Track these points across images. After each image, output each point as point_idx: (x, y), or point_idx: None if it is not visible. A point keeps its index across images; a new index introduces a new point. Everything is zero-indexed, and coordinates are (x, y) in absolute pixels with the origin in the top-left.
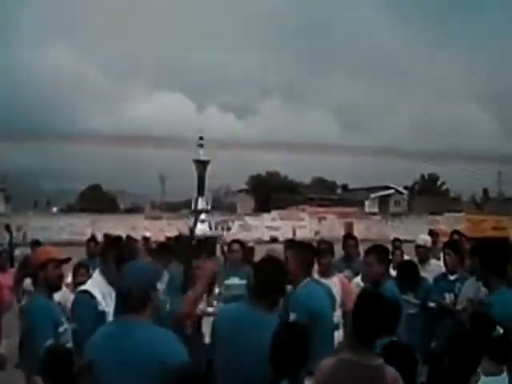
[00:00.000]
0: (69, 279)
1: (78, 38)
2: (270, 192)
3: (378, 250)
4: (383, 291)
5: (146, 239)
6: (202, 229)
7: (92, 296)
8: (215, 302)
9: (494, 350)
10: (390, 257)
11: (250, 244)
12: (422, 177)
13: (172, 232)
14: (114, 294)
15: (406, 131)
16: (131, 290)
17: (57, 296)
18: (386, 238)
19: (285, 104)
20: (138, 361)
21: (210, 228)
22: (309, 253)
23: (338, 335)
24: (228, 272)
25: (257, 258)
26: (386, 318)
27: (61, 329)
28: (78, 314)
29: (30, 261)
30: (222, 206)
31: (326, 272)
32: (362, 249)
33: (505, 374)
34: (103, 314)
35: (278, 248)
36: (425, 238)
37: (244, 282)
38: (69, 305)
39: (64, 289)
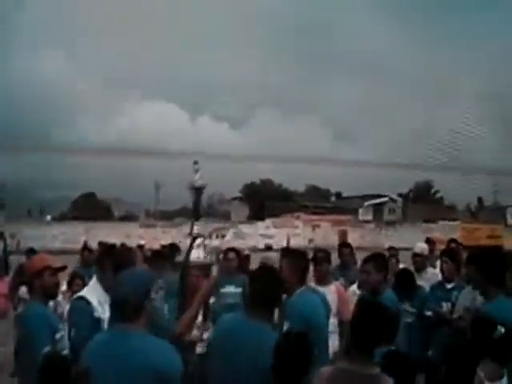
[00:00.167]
0: (63, 287)
1: (69, 47)
2: (264, 200)
3: (376, 259)
4: (383, 300)
5: (140, 247)
6: (197, 254)
7: (88, 302)
8: (210, 327)
9: (495, 351)
10: None
11: (246, 252)
12: (417, 185)
13: (166, 240)
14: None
15: (403, 139)
16: (125, 298)
17: (52, 304)
18: (381, 246)
19: (278, 114)
20: (132, 369)
21: (206, 254)
22: (303, 261)
23: (333, 344)
24: (223, 280)
25: (252, 266)
26: (385, 328)
27: (57, 336)
28: (75, 320)
29: (26, 269)
30: (216, 213)
31: (322, 280)
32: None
33: (505, 378)
34: (99, 320)
35: (273, 256)
36: (422, 247)
37: (239, 290)
38: (64, 312)
39: (60, 297)
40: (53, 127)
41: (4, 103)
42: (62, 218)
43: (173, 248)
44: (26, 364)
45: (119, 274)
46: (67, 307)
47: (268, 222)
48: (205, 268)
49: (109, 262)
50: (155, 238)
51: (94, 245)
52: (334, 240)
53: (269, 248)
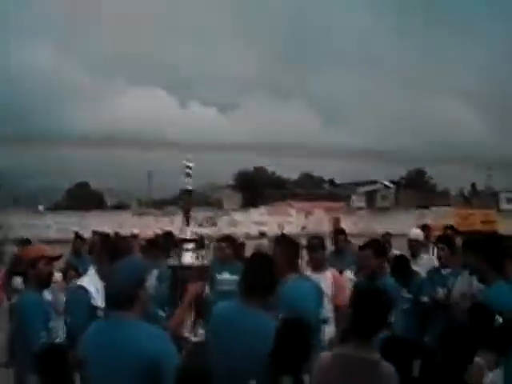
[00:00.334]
0: (58, 277)
1: (56, 34)
2: (257, 188)
3: (375, 244)
4: (382, 286)
5: (134, 236)
6: (189, 258)
7: (86, 291)
8: (200, 331)
9: (493, 340)
10: None
11: (241, 239)
12: (409, 171)
13: (159, 228)
14: None
15: (392, 128)
16: (119, 287)
17: (46, 293)
18: (373, 232)
19: (270, 100)
20: (125, 356)
21: (197, 257)
22: (295, 248)
23: (329, 330)
24: (218, 267)
25: (246, 253)
26: (385, 313)
27: (51, 324)
28: (72, 307)
29: (21, 258)
30: (208, 202)
31: (318, 267)
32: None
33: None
34: (96, 308)
35: (266, 243)
36: (417, 233)
37: (234, 277)
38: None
39: (53, 286)
40: (42, 117)
41: None
42: (55, 208)
43: (167, 236)
44: (22, 352)
45: (115, 263)
46: (62, 297)
47: (261, 209)
48: (197, 270)
49: (106, 252)
50: (148, 226)
51: (87, 234)
52: (327, 227)
53: (262, 235)
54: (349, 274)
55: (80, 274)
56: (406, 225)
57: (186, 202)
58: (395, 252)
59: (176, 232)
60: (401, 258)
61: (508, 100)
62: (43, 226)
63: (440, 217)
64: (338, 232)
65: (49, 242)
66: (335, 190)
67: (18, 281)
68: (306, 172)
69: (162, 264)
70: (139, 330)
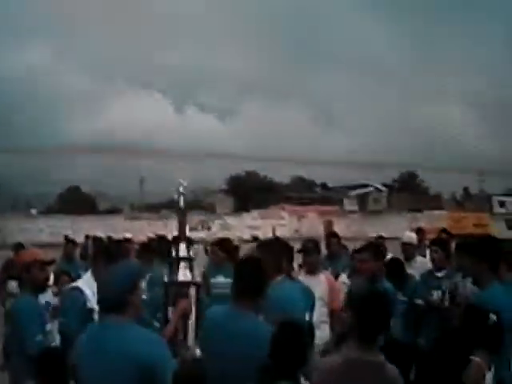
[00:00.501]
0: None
1: (52, 38)
2: (250, 192)
3: (373, 247)
4: (382, 289)
5: (128, 240)
6: (183, 275)
7: (82, 292)
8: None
9: (489, 339)
10: None
11: (235, 243)
12: (401, 174)
13: (152, 232)
14: None
15: (391, 131)
16: (110, 292)
17: (41, 297)
18: (366, 235)
19: (264, 105)
20: (116, 360)
21: (192, 274)
22: (280, 250)
23: (322, 335)
24: (212, 271)
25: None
26: (388, 316)
27: (47, 327)
28: (68, 309)
29: (15, 263)
30: (201, 206)
31: (312, 270)
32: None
33: (492, 370)
34: (91, 311)
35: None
36: (410, 236)
37: (229, 280)
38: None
39: (49, 291)
40: (36, 122)
41: None
42: (47, 212)
43: (161, 240)
44: (17, 356)
45: (110, 266)
46: (55, 301)
47: (254, 213)
48: (186, 286)
49: (103, 255)
50: (140, 230)
51: (79, 238)
52: (319, 230)
53: (255, 239)
54: (343, 278)
55: (72, 278)
56: (398, 228)
57: (181, 219)
58: (389, 255)
59: (169, 236)
60: (395, 261)
61: (508, 103)
62: (36, 229)
63: (433, 220)
64: (331, 235)
65: (41, 245)
66: (327, 193)
67: (12, 285)
68: (297, 176)
69: (156, 268)
70: (132, 333)
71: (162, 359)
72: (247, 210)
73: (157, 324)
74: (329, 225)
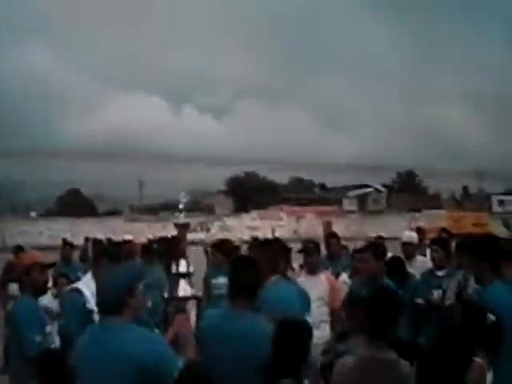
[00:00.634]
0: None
1: (51, 38)
2: (249, 192)
3: (373, 247)
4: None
5: (127, 242)
6: (184, 290)
7: (81, 293)
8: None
9: (488, 339)
10: None
11: (236, 244)
12: (400, 174)
13: (152, 234)
14: None
15: (392, 133)
16: (107, 294)
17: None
18: (365, 235)
19: (262, 105)
20: (117, 363)
21: (192, 287)
22: (275, 251)
23: (322, 334)
24: (213, 272)
25: None
26: (398, 313)
27: (47, 329)
28: (67, 310)
29: (15, 266)
30: (200, 207)
31: (313, 270)
32: None
33: (491, 371)
34: (91, 312)
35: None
36: (410, 235)
37: None
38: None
39: (48, 293)
40: (33, 123)
41: None
42: (47, 215)
43: (161, 242)
44: (17, 358)
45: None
46: (55, 303)
47: (253, 214)
48: (192, 299)
49: (104, 258)
50: (140, 232)
51: (79, 240)
52: (318, 231)
53: (255, 240)
54: (344, 278)
55: (71, 281)
56: (397, 228)
57: (182, 236)
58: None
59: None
60: (396, 259)
61: (508, 102)
62: (36, 232)
63: (432, 220)
64: (331, 235)
65: (41, 248)
66: (326, 194)
67: (13, 287)
68: (296, 176)
69: (155, 269)
70: (131, 334)
71: (164, 357)
72: (246, 210)
73: (156, 330)
74: (328, 225)
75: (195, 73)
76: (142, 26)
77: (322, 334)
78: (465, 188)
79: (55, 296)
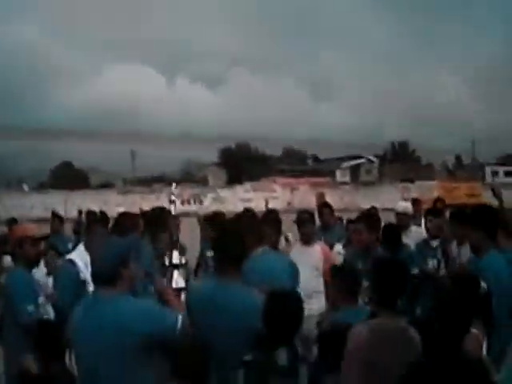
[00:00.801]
0: None
1: (41, 12)
2: (241, 163)
3: (367, 218)
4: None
5: (121, 214)
6: (177, 282)
7: (74, 264)
8: None
9: (481, 309)
10: None
11: (229, 216)
12: (393, 145)
13: (145, 206)
14: None
15: (380, 100)
16: (101, 265)
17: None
18: (358, 206)
19: (254, 76)
20: (109, 334)
21: (186, 280)
22: (261, 221)
23: (318, 304)
24: (206, 245)
25: None
26: (406, 280)
27: (40, 300)
28: (61, 281)
29: (9, 238)
30: (194, 179)
31: (308, 241)
32: None
33: (485, 343)
34: (84, 282)
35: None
36: (404, 205)
37: None
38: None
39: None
40: (25, 93)
41: None
42: (40, 188)
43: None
44: (11, 328)
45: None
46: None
47: (246, 186)
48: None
49: (97, 228)
50: (134, 204)
51: (73, 213)
52: (312, 202)
53: (248, 212)
54: (338, 248)
55: (60, 253)
56: (390, 199)
57: (174, 224)
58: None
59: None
60: (391, 226)
61: (496, 74)
62: (29, 205)
63: (424, 190)
64: (323, 206)
65: (35, 221)
66: (319, 165)
67: (7, 260)
68: (289, 148)
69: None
70: (126, 305)
71: (160, 322)
72: (240, 182)
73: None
74: (321, 196)
75: (188, 44)
76: None
77: (317, 304)
78: (458, 158)
79: (45, 267)
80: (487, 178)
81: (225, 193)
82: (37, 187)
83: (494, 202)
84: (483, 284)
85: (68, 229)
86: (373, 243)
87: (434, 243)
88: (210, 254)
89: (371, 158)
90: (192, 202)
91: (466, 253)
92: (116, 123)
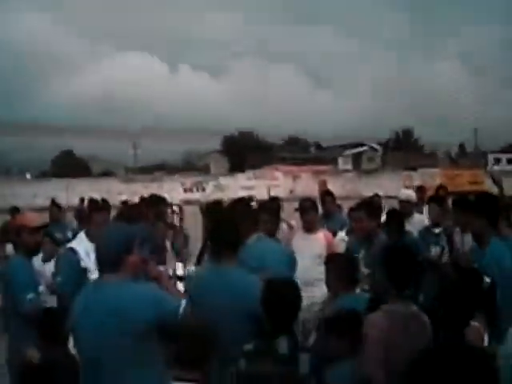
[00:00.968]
0: None
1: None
2: (243, 151)
3: (368, 206)
4: (375, 246)
5: (124, 203)
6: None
7: (75, 252)
8: None
9: (484, 302)
10: None
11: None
12: (396, 133)
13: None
14: None
15: (382, 88)
16: (104, 251)
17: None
18: (360, 194)
19: (257, 64)
20: (111, 319)
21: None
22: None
23: (320, 292)
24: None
25: None
26: (417, 264)
27: (39, 288)
28: (62, 268)
29: (9, 227)
30: (196, 167)
31: (310, 228)
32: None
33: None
34: (85, 270)
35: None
36: (407, 193)
37: None
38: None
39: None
40: (27, 82)
41: None
42: (42, 176)
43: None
44: (13, 317)
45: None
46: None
47: (249, 173)
48: None
49: (98, 217)
50: (136, 192)
51: (75, 201)
52: (314, 190)
53: (250, 200)
54: (342, 235)
55: (55, 241)
56: (393, 186)
57: (178, 239)
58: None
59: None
60: (394, 211)
61: (497, 60)
62: (31, 194)
63: (427, 178)
64: (325, 193)
65: (37, 209)
66: (322, 153)
67: (10, 248)
68: (291, 136)
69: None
70: (128, 290)
71: (163, 310)
72: (242, 170)
73: None
74: (323, 184)
75: (188, 32)
76: None
77: (319, 291)
78: (461, 146)
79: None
80: (490, 166)
81: (227, 181)
82: (38, 176)
83: (496, 190)
84: (486, 278)
85: (70, 217)
86: (373, 231)
87: (437, 230)
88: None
89: (374, 145)
90: (194, 189)
91: (469, 240)
92: (117, 112)
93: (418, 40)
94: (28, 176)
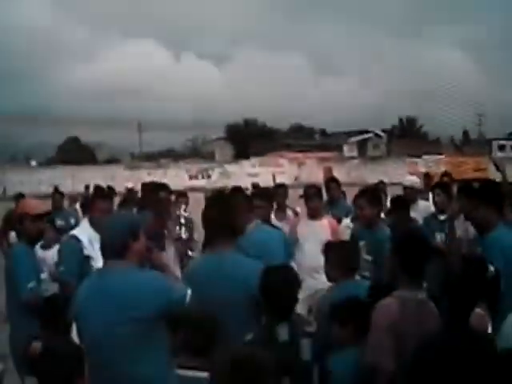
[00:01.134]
0: None
1: None
2: (248, 139)
3: (369, 193)
4: (377, 234)
5: (129, 190)
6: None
7: (78, 240)
8: None
9: (488, 291)
10: None
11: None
12: (401, 120)
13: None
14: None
15: (388, 74)
16: (109, 238)
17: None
18: (365, 181)
19: (262, 51)
20: (115, 306)
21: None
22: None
23: (324, 279)
24: None
25: None
26: (429, 250)
27: (41, 276)
28: (65, 256)
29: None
30: (201, 154)
31: (315, 215)
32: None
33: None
34: (88, 258)
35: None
36: (411, 179)
37: None
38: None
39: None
40: (32, 70)
41: None
42: (48, 163)
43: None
44: (15, 304)
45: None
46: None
47: (253, 160)
48: None
49: (102, 204)
50: (141, 179)
51: (81, 188)
52: (319, 177)
53: (255, 187)
54: (347, 222)
55: (55, 227)
56: (397, 174)
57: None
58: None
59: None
60: (399, 199)
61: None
62: (36, 181)
63: (432, 165)
64: (330, 180)
65: (42, 196)
66: (327, 140)
67: (13, 235)
68: (296, 123)
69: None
70: (133, 277)
71: (168, 298)
72: (247, 157)
73: None
74: (328, 171)
75: (195, 19)
76: None
77: (324, 278)
78: (465, 133)
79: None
80: (494, 153)
81: (232, 168)
82: (44, 163)
83: (499, 176)
84: (491, 267)
85: (75, 204)
86: (374, 219)
87: (442, 217)
88: None
89: (379, 132)
90: (200, 176)
91: (472, 228)
92: (121, 99)
93: (422, 27)
94: (33, 163)
